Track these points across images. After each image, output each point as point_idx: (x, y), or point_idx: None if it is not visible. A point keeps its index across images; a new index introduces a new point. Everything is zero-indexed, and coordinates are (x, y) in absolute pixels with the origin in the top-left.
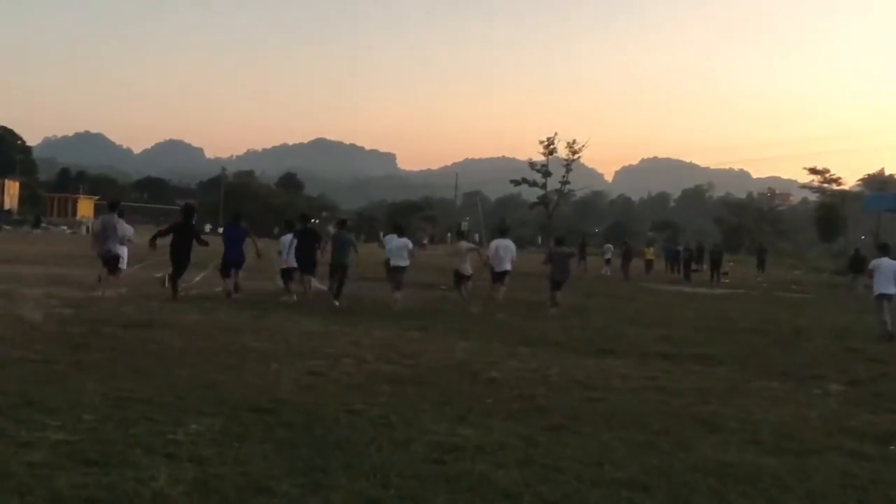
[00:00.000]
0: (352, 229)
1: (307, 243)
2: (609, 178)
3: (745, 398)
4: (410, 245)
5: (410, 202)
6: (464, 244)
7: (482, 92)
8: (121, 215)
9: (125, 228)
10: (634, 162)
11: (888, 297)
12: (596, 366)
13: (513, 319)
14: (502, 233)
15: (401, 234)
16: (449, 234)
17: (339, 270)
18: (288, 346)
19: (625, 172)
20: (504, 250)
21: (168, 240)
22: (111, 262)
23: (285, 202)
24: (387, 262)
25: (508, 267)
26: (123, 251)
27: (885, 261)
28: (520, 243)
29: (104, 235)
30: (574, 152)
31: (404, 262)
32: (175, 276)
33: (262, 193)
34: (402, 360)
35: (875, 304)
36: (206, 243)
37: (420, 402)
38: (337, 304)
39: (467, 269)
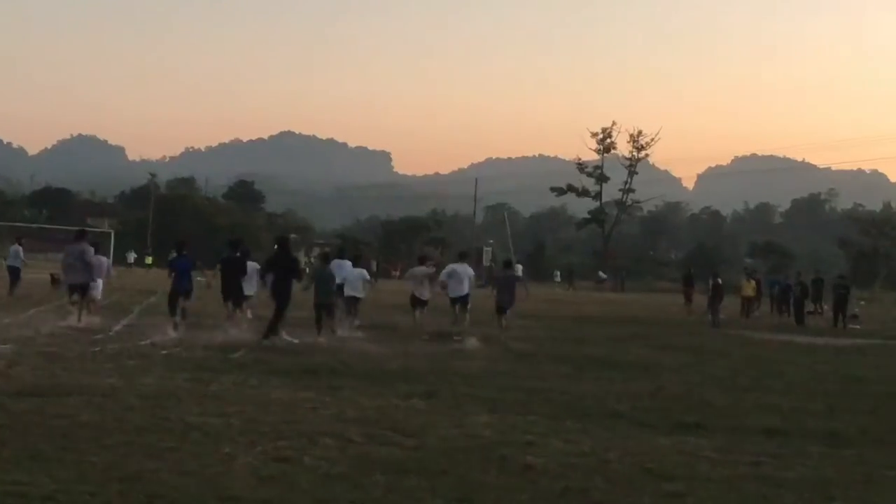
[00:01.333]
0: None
1: (234, 274)
2: (689, 183)
3: (884, 491)
4: (367, 276)
5: (413, 218)
6: (420, 269)
7: (509, 67)
8: (94, 246)
9: (100, 261)
10: (724, 162)
11: None
12: (674, 446)
13: (555, 380)
14: (461, 257)
15: (356, 262)
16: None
17: (323, 310)
18: (244, 421)
19: (711, 176)
20: (461, 274)
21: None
22: (80, 290)
23: (238, 221)
24: (339, 288)
25: (466, 290)
26: (98, 283)
27: None
28: (563, 275)
29: (71, 266)
30: (640, 148)
31: (361, 294)
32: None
33: (205, 208)
34: (402, 439)
35: None
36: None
37: (427, 499)
38: (333, 332)
39: (424, 293)
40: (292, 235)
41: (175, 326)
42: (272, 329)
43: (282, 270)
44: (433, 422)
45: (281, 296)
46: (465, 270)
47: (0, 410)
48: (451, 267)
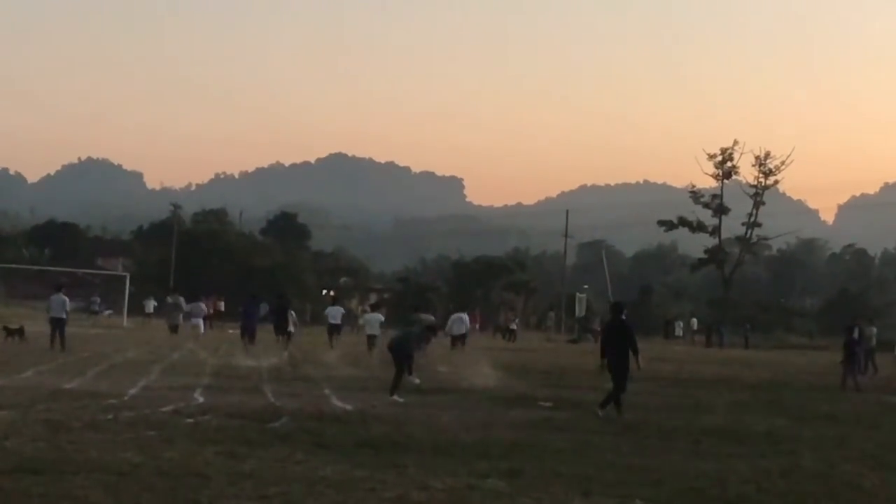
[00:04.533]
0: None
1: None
2: (828, 216)
3: None
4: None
5: (490, 258)
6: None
7: (605, 76)
8: (185, 296)
9: (197, 307)
10: (871, 190)
11: None
12: None
13: (665, 457)
14: (462, 307)
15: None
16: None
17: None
18: None
19: (855, 208)
20: (458, 321)
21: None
22: (173, 329)
23: (278, 261)
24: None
25: (464, 331)
26: (199, 322)
27: None
28: (668, 326)
29: (169, 311)
30: (768, 173)
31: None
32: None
33: (239, 247)
34: None
35: None
36: None
37: None
38: (417, 381)
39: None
40: (343, 279)
41: (246, 349)
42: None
43: (619, 341)
44: None
45: (619, 370)
46: (463, 318)
47: None
48: (455, 315)
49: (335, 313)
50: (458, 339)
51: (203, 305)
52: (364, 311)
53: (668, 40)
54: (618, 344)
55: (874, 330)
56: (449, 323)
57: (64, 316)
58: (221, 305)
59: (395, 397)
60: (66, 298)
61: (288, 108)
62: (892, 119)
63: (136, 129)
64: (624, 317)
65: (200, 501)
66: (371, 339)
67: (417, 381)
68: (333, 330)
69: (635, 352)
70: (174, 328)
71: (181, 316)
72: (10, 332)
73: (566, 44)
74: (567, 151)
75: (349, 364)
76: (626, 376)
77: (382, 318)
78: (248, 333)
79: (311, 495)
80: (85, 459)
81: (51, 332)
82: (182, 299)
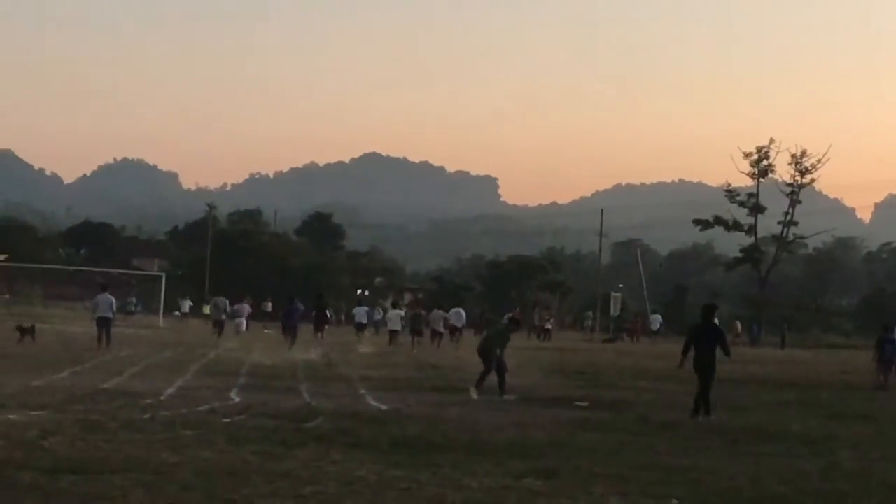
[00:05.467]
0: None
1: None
2: (865, 214)
3: None
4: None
5: (525, 258)
6: (440, 313)
7: (639, 75)
8: (229, 298)
9: (241, 307)
10: None
11: None
12: None
13: (701, 456)
14: (457, 304)
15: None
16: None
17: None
18: None
19: (892, 206)
20: (457, 315)
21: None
22: (218, 326)
23: (313, 261)
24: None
25: (461, 324)
26: (242, 322)
27: None
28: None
29: (216, 311)
30: (804, 171)
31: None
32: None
33: (274, 247)
34: None
35: None
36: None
37: None
38: (507, 397)
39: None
40: (378, 279)
41: (289, 347)
42: (704, 407)
43: (707, 339)
44: None
45: (707, 370)
46: (460, 312)
47: (32, 490)
48: (453, 310)
49: (361, 313)
50: (457, 331)
51: (247, 306)
52: (386, 309)
53: (703, 38)
54: (707, 346)
55: None
56: (450, 316)
57: (111, 315)
58: (269, 306)
59: (474, 395)
60: (113, 299)
61: (322, 108)
62: None
63: (172, 130)
64: (716, 320)
65: (237, 501)
66: (392, 334)
67: (508, 396)
68: (360, 329)
69: (727, 353)
70: (219, 324)
71: (224, 315)
72: (23, 332)
73: (600, 42)
74: (602, 150)
75: (383, 364)
76: (713, 377)
77: (402, 314)
78: (290, 332)
79: (347, 495)
80: (122, 459)
81: (98, 331)
82: (226, 301)
